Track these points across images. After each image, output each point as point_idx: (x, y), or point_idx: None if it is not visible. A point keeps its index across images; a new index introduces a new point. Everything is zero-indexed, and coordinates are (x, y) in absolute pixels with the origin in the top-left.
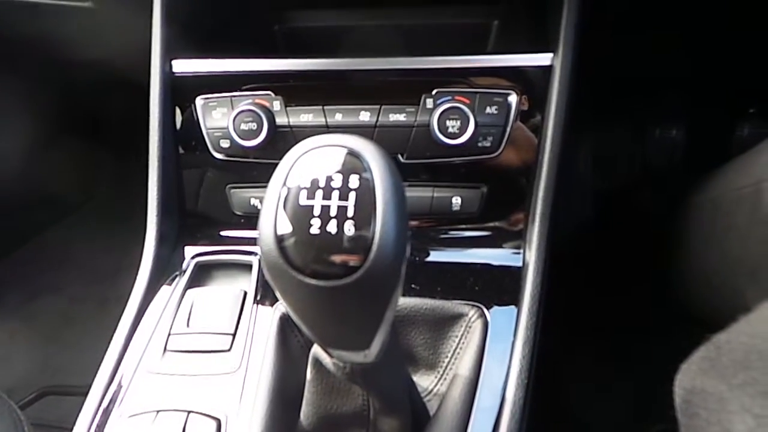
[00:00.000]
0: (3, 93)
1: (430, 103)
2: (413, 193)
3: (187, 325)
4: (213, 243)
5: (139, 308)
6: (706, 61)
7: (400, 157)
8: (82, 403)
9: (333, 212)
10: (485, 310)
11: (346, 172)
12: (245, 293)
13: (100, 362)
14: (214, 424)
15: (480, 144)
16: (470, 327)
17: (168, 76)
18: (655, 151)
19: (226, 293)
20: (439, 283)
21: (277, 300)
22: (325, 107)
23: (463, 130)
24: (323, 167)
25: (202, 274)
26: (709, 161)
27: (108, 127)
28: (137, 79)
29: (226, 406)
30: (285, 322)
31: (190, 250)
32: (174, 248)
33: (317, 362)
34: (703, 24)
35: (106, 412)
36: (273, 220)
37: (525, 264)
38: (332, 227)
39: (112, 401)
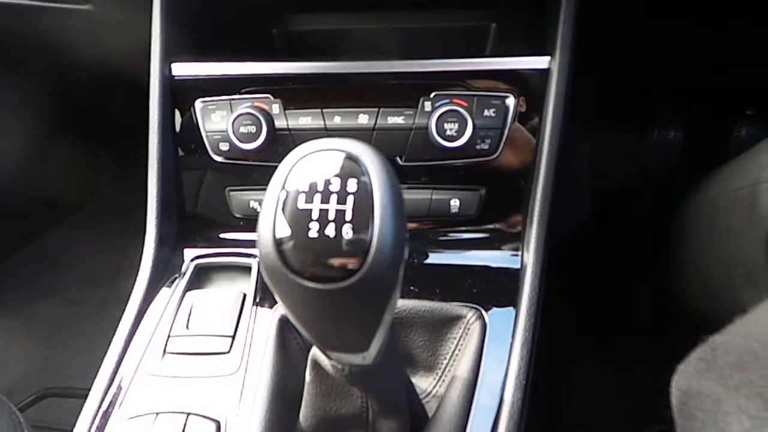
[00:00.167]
0: (4, 94)
1: (428, 105)
2: (412, 195)
3: (187, 327)
4: (212, 245)
5: (138, 310)
6: (705, 61)
7: (398, 159)
8: (82, 405)
9: (331, 216)
10: (483, 312)
11: (344, 176)
12: (244, 295)
13: (100, 364)
14: (213, 425)
15: (478, 146)
16: (469, 329)
17: (167, 79)
18: (654, 153)
19: (226, 295)
20: (438, 285)
21: (276, 302)
22: (324, 110)
23: (461, 132)
24: (321, 171)
25: (201, 277)
26: (707, 163)
27: (109, 128)
28: (138, 80)
29: (226, 408)
30: (284, 324)
31: (189, 253)
32: (173, 250)
33: (316, 364)
34: (703, 23)
35: (106, 414)
36: (272, 224)
37: (523, 266)
38: (330, 231)
39: (112, 403)
